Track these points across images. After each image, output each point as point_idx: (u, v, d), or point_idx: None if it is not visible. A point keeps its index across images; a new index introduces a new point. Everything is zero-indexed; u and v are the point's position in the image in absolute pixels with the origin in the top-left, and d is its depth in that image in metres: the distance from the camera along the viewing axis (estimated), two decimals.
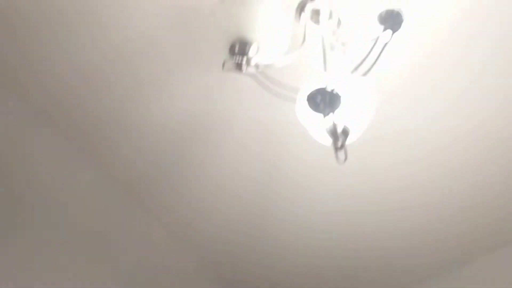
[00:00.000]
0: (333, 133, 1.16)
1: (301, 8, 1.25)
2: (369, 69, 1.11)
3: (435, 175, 1.92)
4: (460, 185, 1.93)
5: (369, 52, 1.09)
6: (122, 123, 1.83)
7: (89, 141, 1.90)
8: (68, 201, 1.86)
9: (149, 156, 1.96)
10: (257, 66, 1.13)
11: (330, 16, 1.24)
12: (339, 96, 1.12)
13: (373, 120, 1.31)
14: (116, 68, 1.65)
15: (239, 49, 1.11)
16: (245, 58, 1.11)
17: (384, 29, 1.08)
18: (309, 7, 1.25)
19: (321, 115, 1.12)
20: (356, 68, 1.13)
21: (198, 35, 1.53)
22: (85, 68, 1.65)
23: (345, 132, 1.23)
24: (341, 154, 1.20)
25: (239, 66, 1.12)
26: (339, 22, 1.26)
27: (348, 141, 1.23)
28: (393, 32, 1.07)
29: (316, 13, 1.25)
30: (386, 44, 1.09)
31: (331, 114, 1.11)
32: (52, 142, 1.82)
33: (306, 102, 1.13)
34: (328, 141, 1.19)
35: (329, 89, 1.11)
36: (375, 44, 1.09)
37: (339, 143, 1.17)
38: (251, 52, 1.12)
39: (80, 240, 1.86)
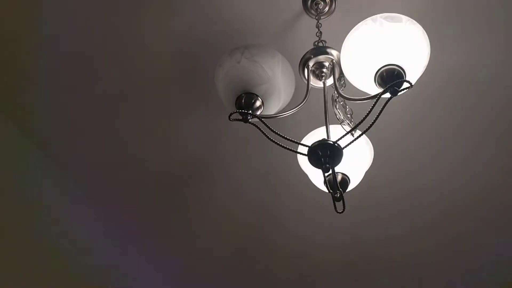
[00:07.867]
0: (332, 186, 1.19)
1: (304, 64, 1.29)
2: (370, 127, 1.12)
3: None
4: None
5: (370, 111, 1.10)
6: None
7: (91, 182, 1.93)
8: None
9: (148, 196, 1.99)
10: (260, 117, 1.17)
11: (333, 72, 1.27)
12: (341, 149, 1.14)
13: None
14: (119, 109, 1.70)
15: (245, 102, 1.17)
16: (250, 110, 1.16)
17: (384, 92, 1.08)
18: (312, 63, 1.29)
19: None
20: (357, 126, 1.15)
21: (203, 86, 1.59)
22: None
23: (344, 184, 1.26)
24: (339, 204, 1.23)
25: (244, 117, 1.16)
26: (341, 78, 1.29)
27: (346, 192, 1.26)
28: (392, 96, 1.07)
29: (319, 69, 1.29)
30: (386, 103, 1.09)
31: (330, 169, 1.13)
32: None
33: (307, 156, 1.15)
34: (327, 189, 1.22)
35: (331, 142, 1.14)
36: (375, 103, 1.09)
37: (338, 195, 1.20)
38: (256, 104, 1.18)
39: None
